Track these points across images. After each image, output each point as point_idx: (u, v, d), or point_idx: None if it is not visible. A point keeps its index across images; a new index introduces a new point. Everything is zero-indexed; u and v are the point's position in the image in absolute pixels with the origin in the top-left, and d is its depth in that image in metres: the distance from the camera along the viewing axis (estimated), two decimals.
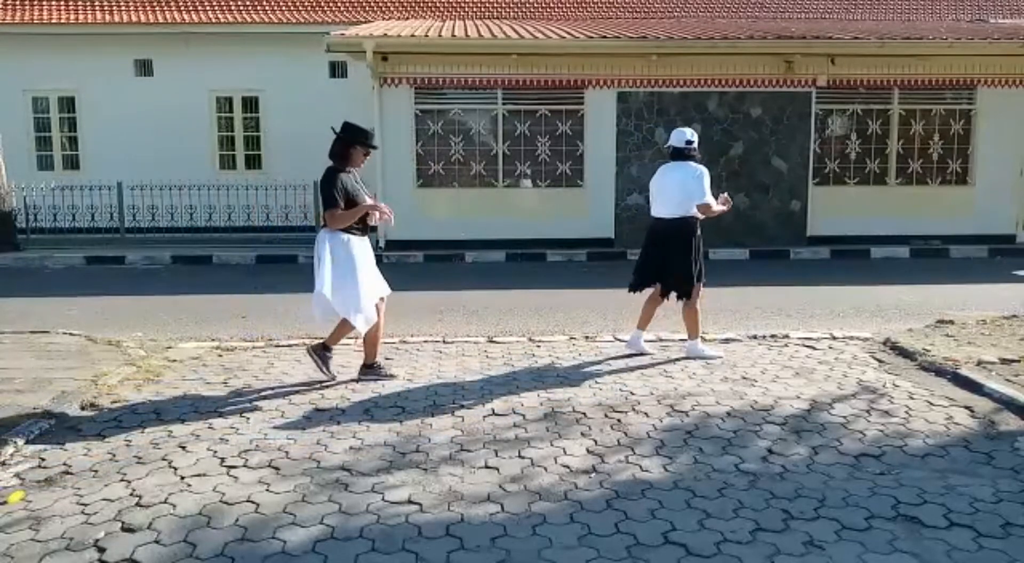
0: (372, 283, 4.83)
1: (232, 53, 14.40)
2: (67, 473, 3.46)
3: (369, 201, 4.79)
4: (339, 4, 15.31)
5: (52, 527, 2.93)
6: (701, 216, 5.38)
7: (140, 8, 14.69)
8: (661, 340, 6.00)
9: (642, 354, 5.56)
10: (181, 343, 6.05)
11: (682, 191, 5.31)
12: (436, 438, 3.86)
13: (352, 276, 4.68)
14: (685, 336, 5.61)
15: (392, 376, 4.96)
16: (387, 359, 5.25)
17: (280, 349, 5.79)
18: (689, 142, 5.39)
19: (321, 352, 4.92)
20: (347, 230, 4.71)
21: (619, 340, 5.97)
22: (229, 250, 12.00)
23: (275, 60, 14.31)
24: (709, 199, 5.31)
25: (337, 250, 4.69)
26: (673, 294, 5.53)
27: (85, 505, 3.11)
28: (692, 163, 5.36)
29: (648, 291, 5.66)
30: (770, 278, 9.72)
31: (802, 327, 6.67)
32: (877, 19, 16.16)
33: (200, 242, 12.93)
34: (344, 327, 4.87)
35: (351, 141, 4.74)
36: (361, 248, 4.78)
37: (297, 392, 4.67)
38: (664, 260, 5.44)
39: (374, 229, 4.41)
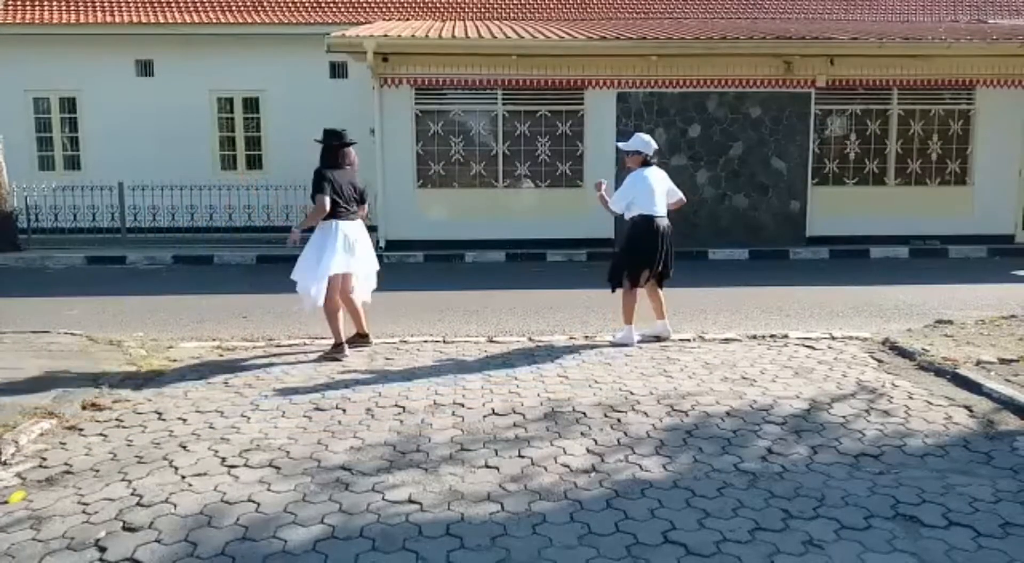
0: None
1: (233, 54, 14.40)
2: (68, 473, 3.46)
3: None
4: (339, 4, 15.31)
5: (53, 527, 2.94)
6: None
7: (141, 8, 14.68)
8: (660, 340, 6.01)
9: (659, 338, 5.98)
10: (182, 343, 6.06)
11: (669, 189, 6.01)
12: (436, 438, 3.87)
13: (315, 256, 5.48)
14: (656, 318, 6.03)
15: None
16: (385, 359, 5.25)
17: (281, 349, 5.80)
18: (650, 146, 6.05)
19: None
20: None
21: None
22: (230, 250, 12.01)
23: (276, 61, 14.31)
24: None
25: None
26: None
27: (86, 505, 3.12)
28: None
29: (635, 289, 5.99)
30: (770, 278, 9.73)
31: (802, 327, 6.68)
32: (876, 19, 16.16)
33: (201, 242, 12.92)
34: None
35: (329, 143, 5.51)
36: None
37: (297, 392, 4.68)
38: (669, 252, 5.92)
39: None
